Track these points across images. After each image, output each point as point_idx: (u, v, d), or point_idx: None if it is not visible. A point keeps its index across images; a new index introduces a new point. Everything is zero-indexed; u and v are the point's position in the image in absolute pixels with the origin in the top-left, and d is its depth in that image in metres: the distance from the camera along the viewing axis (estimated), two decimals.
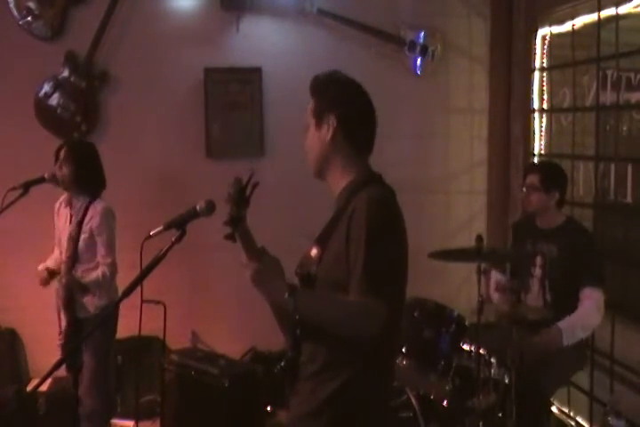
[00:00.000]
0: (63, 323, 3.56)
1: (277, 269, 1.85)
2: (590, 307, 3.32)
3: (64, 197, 3.67)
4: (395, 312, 1.88)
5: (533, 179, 3.53)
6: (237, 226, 1.92)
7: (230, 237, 1.91)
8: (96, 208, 3.52)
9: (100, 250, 3.51)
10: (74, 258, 3.50)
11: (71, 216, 3.58)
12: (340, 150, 2.00)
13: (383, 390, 2.00)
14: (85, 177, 3.56)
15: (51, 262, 3.71)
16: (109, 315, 3.40)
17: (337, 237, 1.92)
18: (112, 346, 3.68)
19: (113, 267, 3.51)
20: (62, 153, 3.56)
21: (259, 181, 1.98)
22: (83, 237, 3.50)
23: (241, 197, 1.96)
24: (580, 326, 3.32)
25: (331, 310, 1.83)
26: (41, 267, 3.65)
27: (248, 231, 2.05)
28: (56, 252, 3.74)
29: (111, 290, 3.59)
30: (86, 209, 3.52)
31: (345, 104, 2.00)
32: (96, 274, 3.50)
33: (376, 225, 1.84)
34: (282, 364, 1.87)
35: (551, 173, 3.57)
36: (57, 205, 3.73)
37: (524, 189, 3.59)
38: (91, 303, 3.53)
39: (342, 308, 1.82)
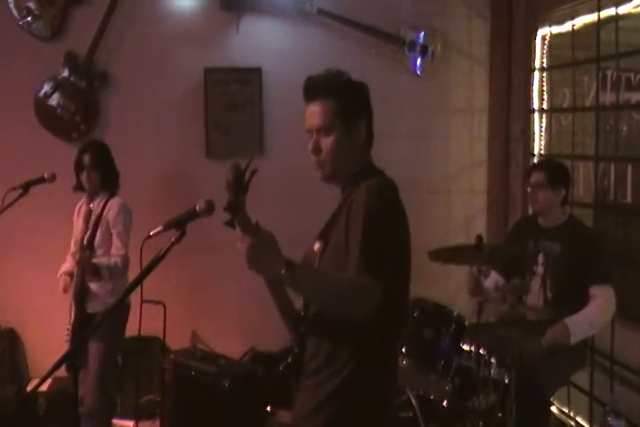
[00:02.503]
0: (72, 318, 3.57)
1: (272, 243, 1.77)
2: (600, 304, 3.29)
3: (85, 196, 3.72)
4: (397, 301, 1.88)
5: (539, 176, 3.51)
6: (236, 212, 1.91)
7: (230, 223, 1.89)
8: (114, 202, 3.62)
9: (116, 242, 3.56)
10: (89, 245, 3.54)
11: (91, 212, 3.63)
12: (364, 152, 2.04)
13: (386, 385, 2.00)
14: (108, 177, 3.67)
15: (67, 266, 3.71)
16: (111, 313, 3.38)
17: (337, 228, 1.94)
18: (118, 346, 3.70)
19: (126, 260, 3.54)
20: (87, 159, 3.61)
21: (257, 168, 1.95)
22: (99, 231, 3.55)
23: (239, 183, 1.94)
24: (589, 323, 3.29)
25: (327, 284, 1.80)
26: (61, 272, 3.68)
27: (248, 218, 2.00)
28: (72, 253, 3.75)
29: (123, 288, 3.59)
30: (105, 204, 3.62)
31: (369, 107, 2.04)
32: (107, 259, 3.52)
33: (374, 208, 1.85)
34: (288, 360, 1.87)
35: (557, 171, 3.56)
36: (79, 204, 3.78)
37: (529, 189, 3.58)
38: (102, 299, 3.54)
39: (338, 283, 1.80)
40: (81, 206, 3.75)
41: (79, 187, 3.70)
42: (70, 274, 3.63)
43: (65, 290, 3.61)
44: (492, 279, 3.72)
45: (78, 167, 3.64)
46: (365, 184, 1.92)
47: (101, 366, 3.55)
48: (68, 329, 3.58)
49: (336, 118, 1.97)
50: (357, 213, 1.86)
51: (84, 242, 3.57)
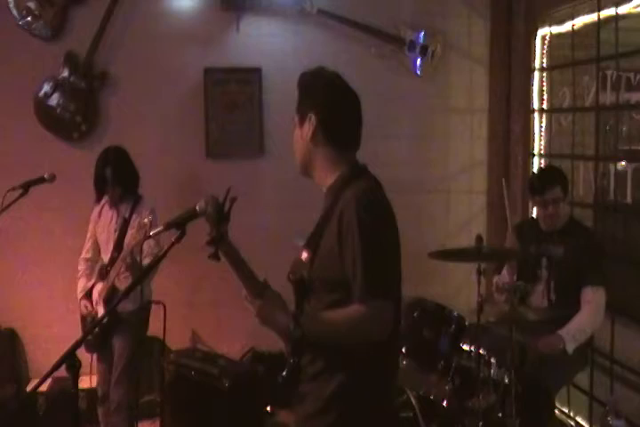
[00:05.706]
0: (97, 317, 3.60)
1: (280, 303, 1.87)
2: (592, 310, 3.35)
3: (106, 199, 3.72)
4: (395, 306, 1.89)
5: (557, 192, 3.43)
6: (219, 245, 1.92)
7: (214, 256, 1.92)
8: (145, 207, 3.62)
9: (149, 241, 3.50)
10: (118, 247, 3.55)
11: (117, 215, 3.65)
12: (322, 149, 2.00)
13: (386, 384, 2.01)
14: (130, 187, 3.67)
15: (85, 283, 3.73)
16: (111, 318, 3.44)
17: (327, 239, 1.91)
18: (142, 343, 3.72)
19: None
20: (109, 173, 3.61)
21: (237, 196, 1.98)
22: (130, 232, 3.53)
23: (219, 215, 1.96)
24: (582, 330, 3.34)
25: (339, 328, 1.84)
26: (80, 295, 3.69)
27: (232, 247, 2.06)
28: (83, 259, 3.80)
29: (149, 286, 3.66)
30: (134, 206, 3.63)
31: (326, 105, 1.99)
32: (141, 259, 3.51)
33: (368, 227, 1.83)
34: (284, 373, 1.86)
35: (564, 178, 3.55)
36: (100, 205, 3.76)
37: (549, 207, 3.45)
38: (130, 297, 3.53)
39: (350, 323, 1.83)
40: (102, 207, 3.75)
41: (99, 200, 3.72)
42: (89, 295, 3.65)
43: (86, 315, 3.65)
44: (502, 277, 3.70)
45: (101, 181, 3.64)
46: (353, 192, 1.89)
47: (127, 363, 3.59)
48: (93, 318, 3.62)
49: (296, 114, 2.02)
50: (352, 232, 1.84)
51: (115, 244, 3.57)
